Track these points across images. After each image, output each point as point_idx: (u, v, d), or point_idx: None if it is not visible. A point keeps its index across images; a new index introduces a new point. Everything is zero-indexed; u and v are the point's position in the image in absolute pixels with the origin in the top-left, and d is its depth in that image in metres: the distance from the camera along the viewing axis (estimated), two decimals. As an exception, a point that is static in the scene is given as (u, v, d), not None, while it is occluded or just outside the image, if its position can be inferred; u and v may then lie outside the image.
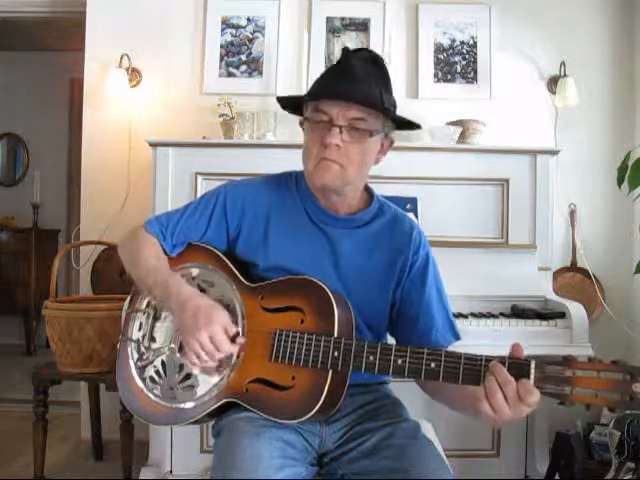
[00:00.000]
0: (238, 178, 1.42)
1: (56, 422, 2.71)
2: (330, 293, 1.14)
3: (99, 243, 2.63)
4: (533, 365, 0.96)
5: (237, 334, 1.17)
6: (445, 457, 1.20)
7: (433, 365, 1.03)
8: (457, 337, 1.29)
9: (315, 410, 1.09)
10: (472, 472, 2.17)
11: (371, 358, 1.07)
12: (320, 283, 1.16)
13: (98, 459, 2.52)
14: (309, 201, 1.28)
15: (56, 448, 2.56)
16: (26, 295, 4.45)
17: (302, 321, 1.15)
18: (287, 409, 1.12)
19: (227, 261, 1.27)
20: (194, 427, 2.10)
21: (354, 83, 1.17)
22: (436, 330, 1.26)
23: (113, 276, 2.66)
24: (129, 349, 1.30)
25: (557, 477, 2.06)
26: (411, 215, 1.79)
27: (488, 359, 0.99)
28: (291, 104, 1.32)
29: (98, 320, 2.17)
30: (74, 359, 2.18)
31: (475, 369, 1.00)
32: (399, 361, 1.05)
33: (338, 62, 1.23)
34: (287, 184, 1.33)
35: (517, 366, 0.97)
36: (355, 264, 1.27)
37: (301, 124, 1.28)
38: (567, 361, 0.95)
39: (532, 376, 0.95)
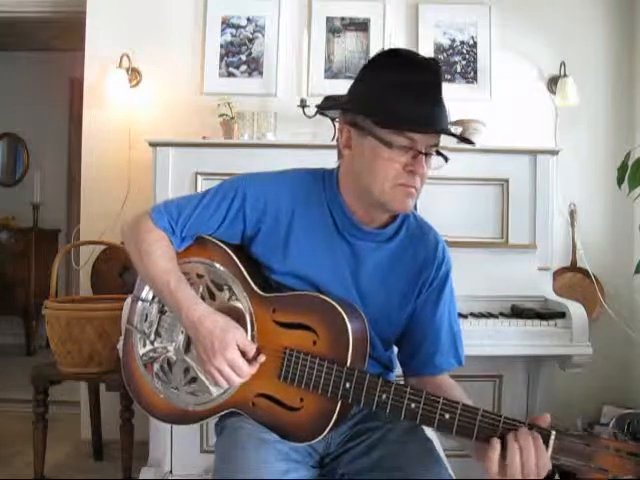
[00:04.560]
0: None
1: (56, 422, 2.70)
2: (347, 320, 1.08)
3: (99, 243, 2.63)
4: (553, 436, 0.93)
5: (258, 352, 1.13)
6: (445, 457, 1.20)
7: (447, 416, 0.99)
8: (460, 362, 1.25)
9: (322, 436, 1.08)
10: (472, 472, 2.16)
11: (384, 397, 1.03)
12: (338, 308, 1.09)
13: (98, 459, 2.52)
14: (338, 208, 1.20)
15: (56, 448, 2.56)
16: (26, 295, 4.45)
17: (315, 343, 1.10)
18: (294, 431, 1.10)
19: (239, 264, 1.20)
20: (194, 427, 2.10)
21: (442, 110, 1.10)
22: (440, 354, 1.22)
23: (113, 276, 2.66)
24: (134, 339, 1.27)
25: (557, 477, 2.06)
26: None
27: (507, 421, 0.96)
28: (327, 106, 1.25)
29: (98, 320, 2.17)
30: (74, 359, 2.19)
31: (492, 428, 0.97)
32: (412, 405, 1.01)
33: (422, 81, 1.09)
34: (314, 184, 1.23)
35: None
36: (377, 278, 1.21)
37: (347, 131, 1.16)
38: (589, 436, 0.92)
39: (550, 447, 0.93)
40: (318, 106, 1.26)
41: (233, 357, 1.09)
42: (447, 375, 1.23)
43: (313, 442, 1.10)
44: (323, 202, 1.21)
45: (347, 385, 1.05)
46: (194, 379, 1.20)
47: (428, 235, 1.25)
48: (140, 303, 1.28)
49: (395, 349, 1.30)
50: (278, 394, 1.12)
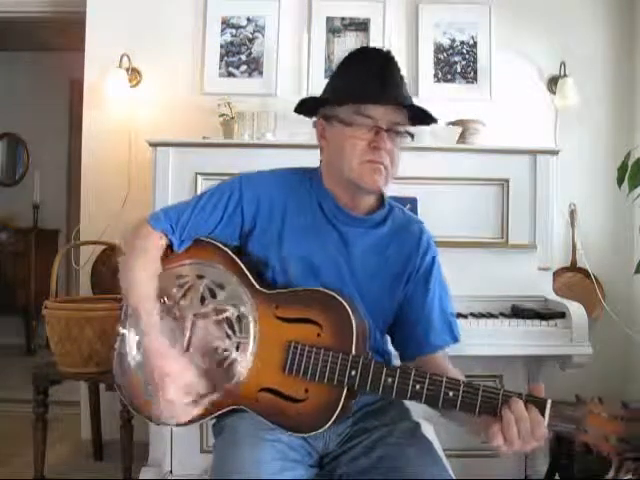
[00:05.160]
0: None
1: (56, 422, 2.71)
2: (349, 309, 1.12)
3: (99, 243, 2.63)
4: (549, 404, 0.98)
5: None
6: (445, 457, 1.20)
7: (451, 394, 1.03)
8: (455, 339, 1.29)
9: (327, 426, 1.09)
10: (472, 472, 2.17)
11: (389, 381, 1.07)
12: (339, 298, 1.13)
13: (98, 459, 2.52)
14: (326, 198, 1.25)
15: (56, 448, 2.56)
16: (26, 295, 4.45)
17: (319, 335, 1.13)
18: (299, 423, 1.11)
19: (239, 262, 1.22)
20: (194, 427, 2.10)
21: (399, 87, 1.19)
22: (434, 334, 1.26)
23: (113, 276, 2.66)
24: (127, 344, 1.26)
25: (557, 477, 2.06)
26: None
27: (506, 393, 1.01)
28: (310, 106, 1.29)
29: (98, 320, 2.17)
30: (74, 359, 2.18)
31: (493, 402, 1.02)
32: (417, 387, 1.05)
33: (371, 63, 1.21)
34: (302, 180, 1.29)
35: (534, 403, 0.99)
36: (368, 265, 1.25)
37: (320, 124, 1.25)
38: (581, 402, 0.98)
39: (547, 414, 0.98)
40: (296, 110, 1.32)
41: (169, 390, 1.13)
42: (443, 357, 1.26)
43: (319, 432, 1.11)
44: (311, 195, 1.27)
45: (353, 372, 1.08)
46: None
47: (413, 226, 1.31)
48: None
49: (388, 338, 1.33)
50: (283, 387, 1.13)
